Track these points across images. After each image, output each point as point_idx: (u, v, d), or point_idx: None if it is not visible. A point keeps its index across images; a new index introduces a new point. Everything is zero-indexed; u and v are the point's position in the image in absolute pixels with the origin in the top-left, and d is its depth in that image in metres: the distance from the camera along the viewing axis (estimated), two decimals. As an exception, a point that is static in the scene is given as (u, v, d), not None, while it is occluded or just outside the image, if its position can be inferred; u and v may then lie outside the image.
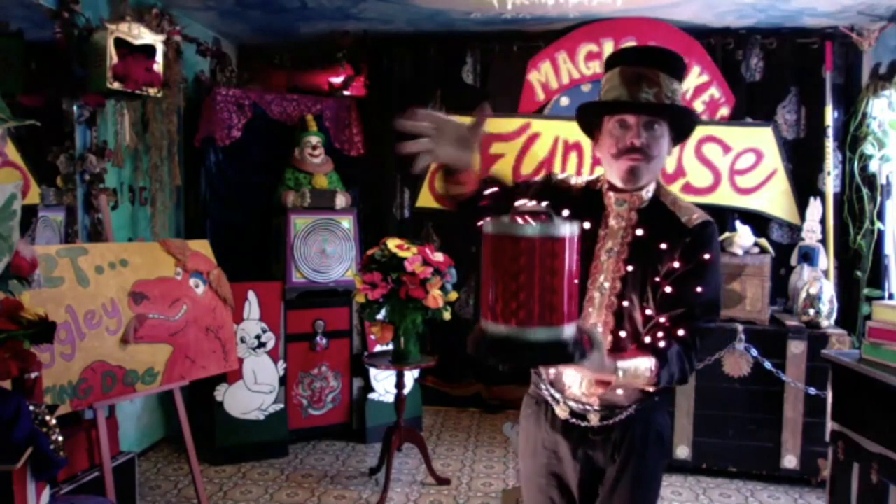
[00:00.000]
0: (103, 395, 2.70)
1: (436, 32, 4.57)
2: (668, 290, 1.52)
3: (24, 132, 2.78)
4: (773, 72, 4.40)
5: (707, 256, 1.52)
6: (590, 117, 1.63)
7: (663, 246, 1.54)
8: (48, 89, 3.20)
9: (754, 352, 3.51)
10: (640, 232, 1.57)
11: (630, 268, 1.56)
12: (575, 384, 1.62)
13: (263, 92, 4.40)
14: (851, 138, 4.18)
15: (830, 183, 4.15)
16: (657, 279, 1.54)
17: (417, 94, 4.75)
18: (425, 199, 4.72)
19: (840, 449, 2.65)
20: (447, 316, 3.43)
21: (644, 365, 1.44)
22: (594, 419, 1.62)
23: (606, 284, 1.58)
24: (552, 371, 1.67)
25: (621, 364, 1.41)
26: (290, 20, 4.35)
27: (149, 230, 3.89)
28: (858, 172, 4.14)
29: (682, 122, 1.59)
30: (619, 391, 1.58)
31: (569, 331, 1.17)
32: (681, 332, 1.48)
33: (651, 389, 1.54)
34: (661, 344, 1.47)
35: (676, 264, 1.52)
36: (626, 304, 1.56)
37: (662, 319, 1.50)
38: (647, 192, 1.60)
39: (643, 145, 1.52)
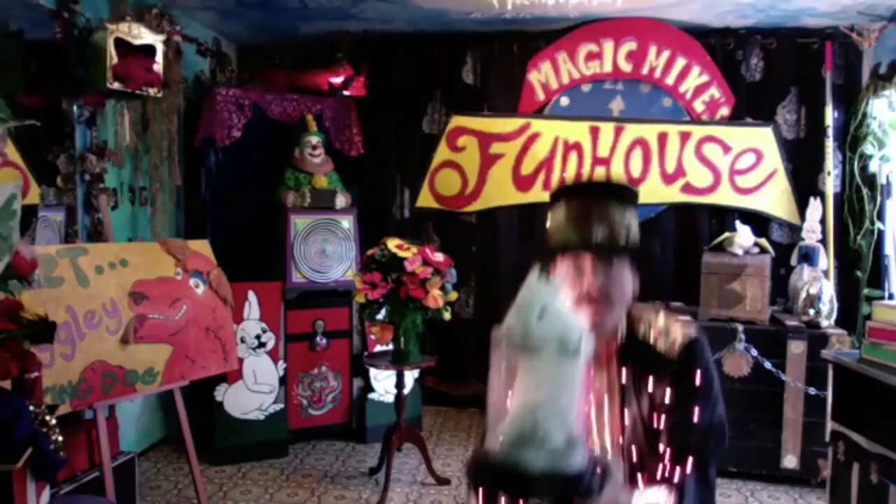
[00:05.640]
0: (103, 395, 2.70)
1: (436, 32, 4.57)
2: (664, 424, 1.39)
3: (24, 132, 2.78)
4: (773, 72, 4.40)
5: (698, 380, 1.39)
6: (543, 254, 1.48)
7: (650, 384, 1.41)
8: (48, 89, 3.19)
9: (754, 352, 3.51)
10: (624, 377, 1.44)
11: (627, 418, 1.44)
12: None
13: (263, 92, 4.40)
14: (851, 138, 4.18)
15: (830, 183, 4.15)
16: (655, 419, 1.41)
17: (417, 94, 4.75)
18: (425, 199, 4.72)
19: (840, 449, 2.65)
20: (447, 316, 3.43)
21: (661, 500, 1.31)
22: None
23: (608, 442, 1.46)
24: None
25: (637, 500, 1.29)
26: (290, 20, 4.35)
27: (149, 230, 3.88)
28: (858, 172, 4.14)
29: (643, 257, 1.48)
30: None
31: (580, 459, 1.05)
32: (689, 465, 1.34)
33: None
34: (676, 478, 1.33)
35: (668, 396, 1.39)
36: (634, 455, 1.42)
37: (668, 453, 1.36)
38: (621, 333, 1.46)
39: (601, 291, 1.38)
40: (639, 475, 1.40)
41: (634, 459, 1.42)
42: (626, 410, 1.43)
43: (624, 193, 1.45)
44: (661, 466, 1.37)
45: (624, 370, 1.44)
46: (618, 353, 1.45)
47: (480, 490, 1.10)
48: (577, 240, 1.39)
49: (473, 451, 1.11)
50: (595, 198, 1.41)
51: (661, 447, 1.38)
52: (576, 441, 1.03)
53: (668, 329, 1.45)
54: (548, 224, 1.47)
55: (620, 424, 1.44)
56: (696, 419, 1.36)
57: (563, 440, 1.01)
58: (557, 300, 1.08)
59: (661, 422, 1.39)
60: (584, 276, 1.39)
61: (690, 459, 1.34)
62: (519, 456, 1.01)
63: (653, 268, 1.49)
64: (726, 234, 3.80)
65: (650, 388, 1.41)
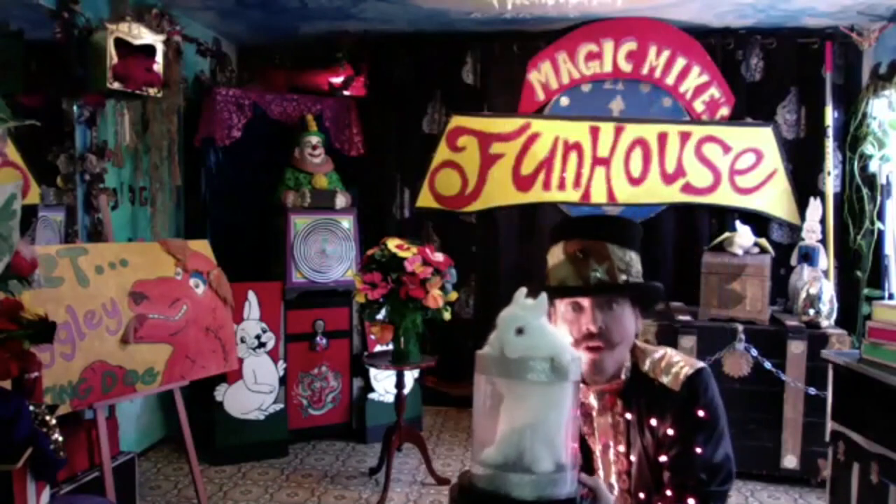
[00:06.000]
0: (103, 395, 2.70)
1: (436, 32, 4.57)
2: (665, 458, 1.36)
3: (24, 132, 2.78)
4: (773, 72, 4.40)
5: (701, 413, 1.36)
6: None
7: (654, 422, 1.39)
8: (48, 89, 3.19)
9: (754, 352, 3.51)
10: (629, 416, 1.42)
11: (633, 458, 1.41)
12: None
13: (263, 92, 4.40)
14: (851, 138, 4.18)
15: (830, 183, 4.15)
16: (662, 457, 1.38)
17: (417, 94, 4.76)
18: (425, 199, 4.72)
19: (840, 449, 2.65)
20: (447, 316, 3.43)
21: None
22: None
23: (615, 482, 1.43)
24: None
25: None
26: (290, 20, 4.35)
27: (149, 230, 3.88)
28: (858, 172, 4.14)
29: (645, 294, 1.46)
30: None
31: (568, 486, 1.02)
32: (691, 503, 1.31)
33: None
34: None
35: (671, 430, 1.37)
36: (641, 496, 1.40)
37: (669, 492, 1.35)
38: (625, 372, 1.44)
39: (602, 330, 1.37)
40: None
41: (642, 497, 1.40)
42: (631, 449, 1.41)
43: (622, 231, 1.43)
44: None
45: (629, 408, 1.42)
46: (622, 390, 1.44)
47: None
48: (575, 281, 1.38)
49: (459, 475, 1.07)
50: (593, 237, 1.40)
51: (665, 483, 1.36)
52: (564, 467, 1.00)
53: (672, 363, 1.43)
54: (548, 264, 1.46)
55: (626, 463, 1.42)
56: (698, 452, 1.34)
57: (550, 466, 0.99)
58: (540, 319, 1.05)
59: (665, 457, 1.37)
60: (584, 318, 1.37)
61: (692, 500, 1.31)
62: (505, 482, 0.98)
63: (660, 301, 1.47)
64: (726, 234, 3.80)
65: (654, 423, 1.38)
